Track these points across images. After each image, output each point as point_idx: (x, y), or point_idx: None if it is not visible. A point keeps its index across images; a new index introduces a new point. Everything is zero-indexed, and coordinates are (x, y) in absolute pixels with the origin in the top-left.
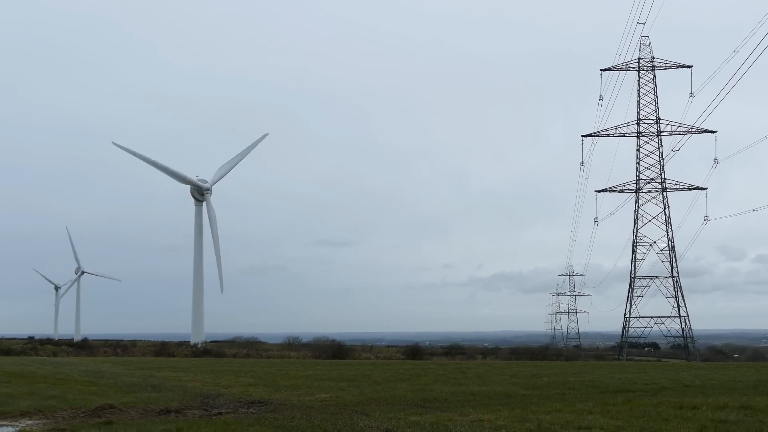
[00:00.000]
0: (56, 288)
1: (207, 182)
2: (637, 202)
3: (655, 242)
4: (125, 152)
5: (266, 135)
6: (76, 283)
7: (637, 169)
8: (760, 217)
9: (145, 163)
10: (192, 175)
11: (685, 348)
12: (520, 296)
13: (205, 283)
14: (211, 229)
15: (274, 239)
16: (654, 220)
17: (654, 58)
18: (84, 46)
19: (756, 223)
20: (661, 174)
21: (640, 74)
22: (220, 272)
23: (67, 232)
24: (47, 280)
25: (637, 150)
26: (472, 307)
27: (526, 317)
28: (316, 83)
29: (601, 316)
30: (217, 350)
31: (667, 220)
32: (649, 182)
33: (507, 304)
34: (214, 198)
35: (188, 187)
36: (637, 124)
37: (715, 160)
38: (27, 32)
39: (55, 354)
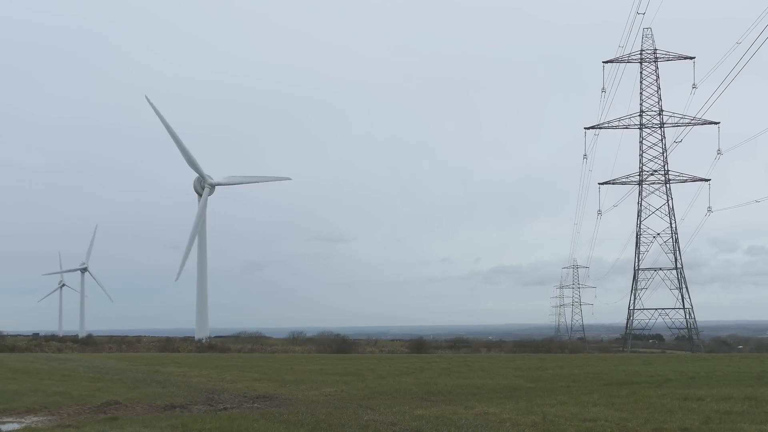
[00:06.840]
0: (61, 286)
1: (212, 179)
2: (640, 194)
3: (658, 234)
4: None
5: (289, 179)
6: (80, 280)
7: (640, 161)
8: (753, 209)
9: (168, 134)
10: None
11: (689, 339)
12: (523, 289)
13: (209, 278)
14: (197, 220)
15: (274, 235)
16: (657, 212)
17: (656, 49)
18: (92, 45)
19: (748, 214)
20: (664, 166)
21: (643, 66)
22: (183, 260)
23: (95, 230)
24: (50, 291)
25: (640, 142)
26: (475, 300)
27: (530, 310)
28: (318, 78)
29: (605, 309)
30: (221, 345)
31: (671, 211)
32: (652, 174)
33: (510, 297)
34: (216, 193)
35: (191, 181)
36: (639, 116)
37: (718, 152)
38: (40, 30)
39: (60, 350)
